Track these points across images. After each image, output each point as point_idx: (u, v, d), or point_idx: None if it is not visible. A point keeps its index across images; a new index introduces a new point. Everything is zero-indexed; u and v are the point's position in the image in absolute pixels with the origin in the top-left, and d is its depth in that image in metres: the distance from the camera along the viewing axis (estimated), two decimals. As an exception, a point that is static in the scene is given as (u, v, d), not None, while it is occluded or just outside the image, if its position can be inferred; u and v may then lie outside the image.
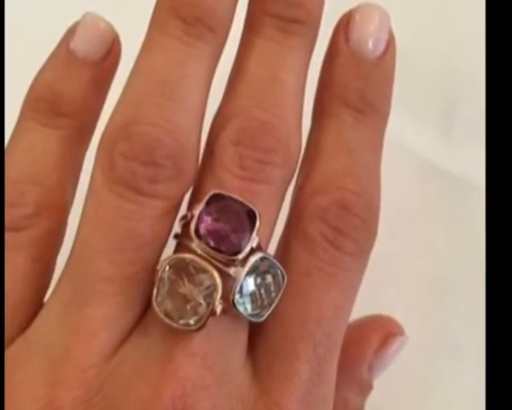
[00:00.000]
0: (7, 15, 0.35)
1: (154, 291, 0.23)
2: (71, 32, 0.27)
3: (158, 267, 0.23)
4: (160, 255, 0.24)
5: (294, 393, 0.24)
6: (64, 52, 0.27)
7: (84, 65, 0.27)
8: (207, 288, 0.23)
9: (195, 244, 0.23)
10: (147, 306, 0.24)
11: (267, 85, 0.26)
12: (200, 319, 0.23)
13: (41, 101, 0.27)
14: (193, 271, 0.23)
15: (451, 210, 0.39)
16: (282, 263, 0.24)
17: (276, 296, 0.24)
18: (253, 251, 0.23)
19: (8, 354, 0.24)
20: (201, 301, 0.23)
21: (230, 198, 0.23)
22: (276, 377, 0.24)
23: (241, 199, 0.23)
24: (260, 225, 0.23)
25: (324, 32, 0.27)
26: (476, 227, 0.38)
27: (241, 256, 0.23)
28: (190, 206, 0.25)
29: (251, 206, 0.23)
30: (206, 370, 0.23)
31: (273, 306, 0.24)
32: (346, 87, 0.27)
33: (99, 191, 0.24)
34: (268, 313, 0.24)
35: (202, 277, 0.23)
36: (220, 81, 0.27)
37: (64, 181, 0.27)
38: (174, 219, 0.25)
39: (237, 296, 0.23)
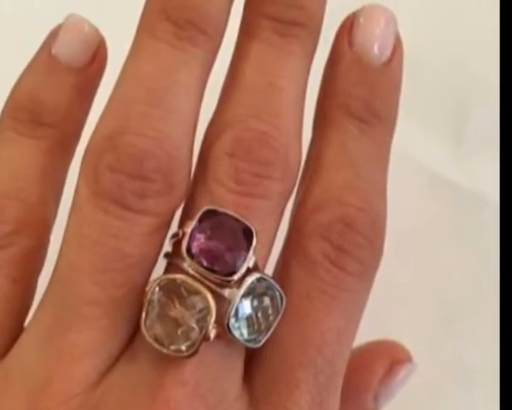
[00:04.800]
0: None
1: (143, 315, 0.23)
2: (53, 36, 0.27)
3: (147, 289, 0.23)
4: (149, 276, 0.24)
5: (294, 425, 0.24)
6: (46, 57, 0.27)
7: (68, 71, 0.27)
8: (200, 311, 0.23)
9: (187, 264, 0.23)
10: (135, 330, 0.24)
11: (264, 93, 0.25)
12: (192, 345, 0.23)
13: (21, 110, 0.27)
14: (185, 293, 0.23)
15: (463, 227, 0.40)
16: (281, 284, 0.24)
17: (274, 320, 0.24)
18: (249, 271, 0.23)
19: (-15, 382, 0.24)
20: (194, 325, 0.23)
21: (225, 215, 0.23)
22: (274, 408, 0.24)
23: (236, 215, 0.23)
24: (257, 243, 0.23)
25: (326, 36, 0.27)
26: (490, 245, 0.38)
27: (236, 277, 0.23)
28: (182, 223, 0.25)
29: (247, 223, 0.23)
30: (198, 399, 0.23)
31: (271, 330, 0.24)
32: (349, 95, 0.26)
33: (83, 207, 0.24)
34: (265, 338, 0.24)
35: (195, 299, 0.23)
36: (214, 88, 0.27)
37: (46, 196, 0.27)
38: (164, 236, 0.25)
39: (232, 320, 0.23)
